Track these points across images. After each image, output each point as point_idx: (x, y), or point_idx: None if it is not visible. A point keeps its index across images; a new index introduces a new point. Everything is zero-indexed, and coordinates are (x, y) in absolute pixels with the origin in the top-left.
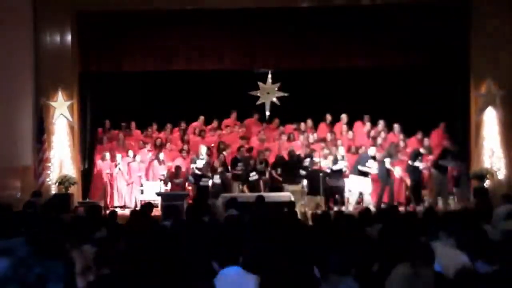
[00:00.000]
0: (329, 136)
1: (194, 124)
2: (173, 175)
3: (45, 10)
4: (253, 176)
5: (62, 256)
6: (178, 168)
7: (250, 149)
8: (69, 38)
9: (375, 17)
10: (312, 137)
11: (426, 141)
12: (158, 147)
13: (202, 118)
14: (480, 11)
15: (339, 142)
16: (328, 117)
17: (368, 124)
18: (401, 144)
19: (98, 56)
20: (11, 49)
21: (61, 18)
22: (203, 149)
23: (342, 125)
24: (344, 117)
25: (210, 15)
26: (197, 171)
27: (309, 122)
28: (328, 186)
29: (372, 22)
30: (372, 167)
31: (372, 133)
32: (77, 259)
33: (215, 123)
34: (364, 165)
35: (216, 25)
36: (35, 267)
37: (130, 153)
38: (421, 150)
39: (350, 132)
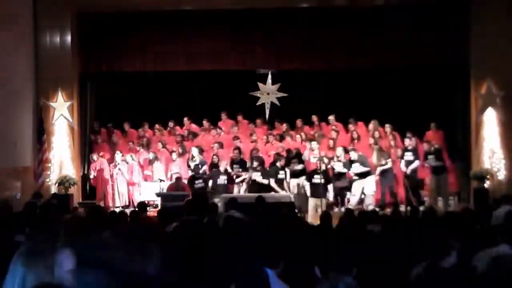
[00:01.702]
0: (316, 136)
1: (184, 127)
2: (173, 189)
3: (45, 10)
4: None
5: (45, 258)
6: (178, 179)
7: (237, 149)
8: (69, 38)
9: (375, 17)
10: (303, 134)
11: (410, 141)
12: (146, 146)
13: (186, 119)
14: (480, 11)
15: (330, 142)
16: (314, 118)
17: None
18: (392, 143)
19: (98, 56)
20: (11, 49)
21: (61, 18)
22: (194, 151)
23: (331, 126)
24: (332, 118)
25: (210, 15)
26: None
27: (298, 122)
28: (335, 187)
29: (372, 22)
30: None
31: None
32: (64, 260)
33: (206, 124)
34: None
35: (216, 26)
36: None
37: (118, 156)
38: (404, 143)
39: (333, 133)
